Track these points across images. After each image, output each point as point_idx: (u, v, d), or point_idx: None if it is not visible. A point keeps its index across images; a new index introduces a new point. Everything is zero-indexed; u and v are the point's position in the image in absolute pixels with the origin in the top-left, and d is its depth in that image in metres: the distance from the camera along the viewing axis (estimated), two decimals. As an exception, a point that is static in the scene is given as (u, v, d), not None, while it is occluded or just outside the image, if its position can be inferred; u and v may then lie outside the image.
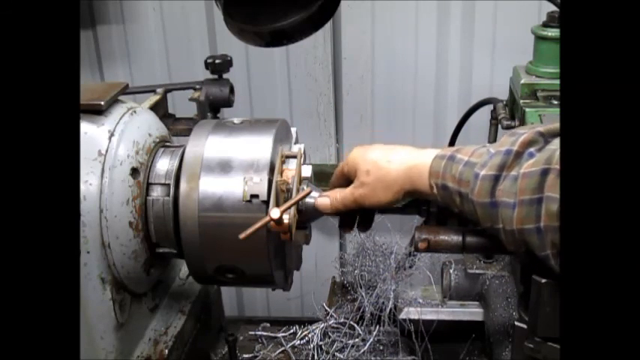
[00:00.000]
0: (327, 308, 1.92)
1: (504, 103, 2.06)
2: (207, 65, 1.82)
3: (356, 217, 1.37)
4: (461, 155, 1.19)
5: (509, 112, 2.00)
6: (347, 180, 1.35)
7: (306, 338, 1.83)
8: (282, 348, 1.82)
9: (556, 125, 1.10)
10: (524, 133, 1.11)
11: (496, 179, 1.10)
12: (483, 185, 1.11)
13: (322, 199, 1.35)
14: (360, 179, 1.30)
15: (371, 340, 1.76)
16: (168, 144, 1.47)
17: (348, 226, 1.41)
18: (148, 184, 1.36)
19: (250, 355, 1.81)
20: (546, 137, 1.11)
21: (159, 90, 1.77)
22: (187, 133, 1.48)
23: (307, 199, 1.33)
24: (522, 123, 1.84)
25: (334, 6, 1.71)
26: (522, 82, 1.92)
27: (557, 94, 1.88)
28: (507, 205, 1.08)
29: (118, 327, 1.34)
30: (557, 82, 1.89)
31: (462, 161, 1.17)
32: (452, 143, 2.22)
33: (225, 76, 1.84)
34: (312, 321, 1.89)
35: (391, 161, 1.27)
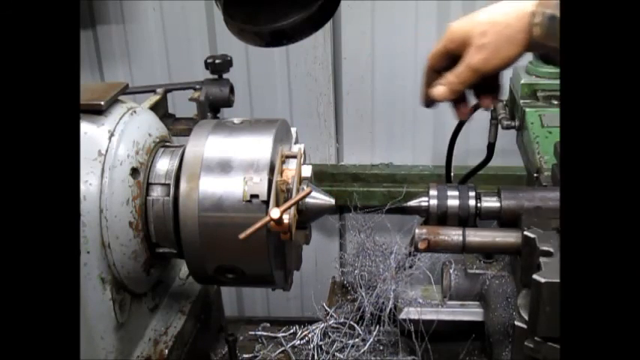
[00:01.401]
0: (327, 308, 1.92)
1: (504, 103, 2.06)
2: (207, 65, 1.82)
3: (487, 86, 1.28)
4: None
5: (509, 112, 2.00)
6: (451, 59, 1.29)
7: (306, 338, 1.84)
8: (282, 348, 1.83)
9: None
10: None
11: None
12: None
13: (438, 88, 1.29)
14: (475, 44, 1.22)
15: (371, 340, 1.76)
16: (168, 144, 1.47)
17: (484, 96, 1.31)
18: (148, 184, 1.36)
19: (250, 355, 1.81)
20: None
21: (159, 90, 1.77)
22: (187, 133, 1.48)
23: (307, 199, 1.33)
24: (522, 123, 1.84)
25: (334, 6, 1.71)
26: (522, 82, 1.92)
27: (557, 94, 1.88)
28: None
29: (118, 327, 1.34)
30: (557, 82, 1.89)
31: None
32: (452, 143, 2.22)
33: (225, 76, 1.84)
34: (312, 321, 1.89)
35: (507, 12, 1.20)
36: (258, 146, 1.32)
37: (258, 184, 1.27)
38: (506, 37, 1.20)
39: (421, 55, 2.59)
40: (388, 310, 1.75)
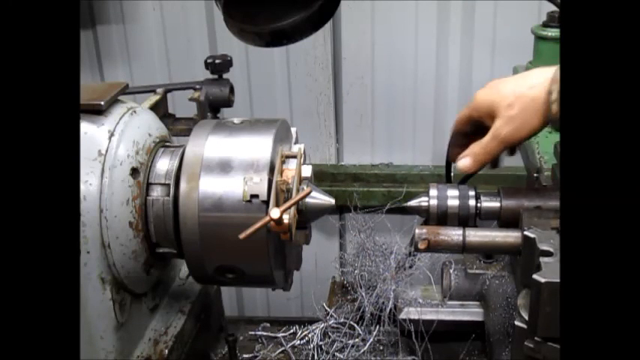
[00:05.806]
0: (327, 308, 1.92)
1: (504, 103, 2.05)
2: (207, 65, 1.82)
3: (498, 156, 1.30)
4: None
5: (509, 112, 2.00)
6: (476, 126, 1.30)
7: (306, 338, 1.84)
8: (282, 348, 1.83)
9: None
10: None
11: None
12: None
13: (463, 161, 1.31)
14: (503, 116, 1.23)
15: (371, 340, 1.76)
16: (168, 144, 1.47)
17: (493, 164, 1.34)
18: (148, 184, 1.36)
19: (250, 355, 1.81)
20: None
21: (159, 90, 1.77)
22: (187, 133, 1.48)
23: (307, 199, 1.33)
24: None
25: (334, 6, 1.71)
26: (522, 82, 1.92)
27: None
28: None
29: (118, 327, 1.34)
30: (557, 82, 1.88)
31: None
32: (452, 143, 2.22)
33: (225, 76, 1.84)
34: (312, 321, 1.89)
35: (533, 86, 1.21)
36: (258, 146, 1.32)
37: (258, 184, 1.27)
38: (532, 109, 1.21)
39: (421, 55, 2.61)
40: (388, 310, 1.75)
